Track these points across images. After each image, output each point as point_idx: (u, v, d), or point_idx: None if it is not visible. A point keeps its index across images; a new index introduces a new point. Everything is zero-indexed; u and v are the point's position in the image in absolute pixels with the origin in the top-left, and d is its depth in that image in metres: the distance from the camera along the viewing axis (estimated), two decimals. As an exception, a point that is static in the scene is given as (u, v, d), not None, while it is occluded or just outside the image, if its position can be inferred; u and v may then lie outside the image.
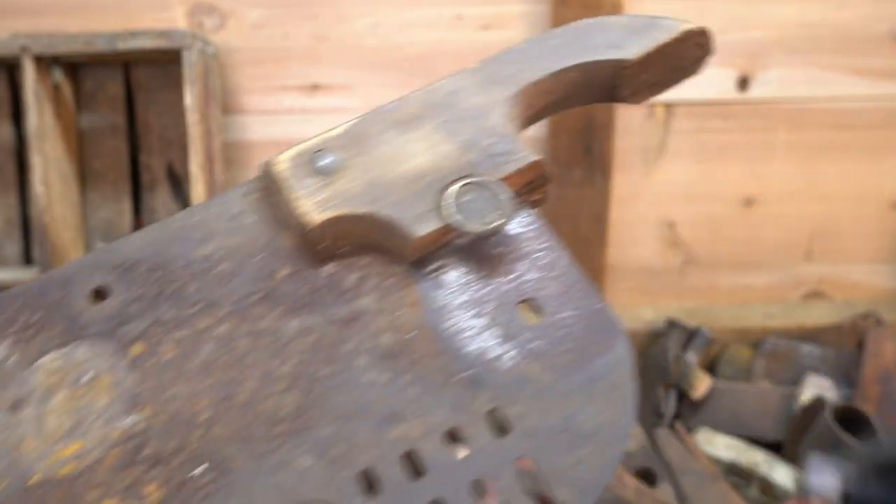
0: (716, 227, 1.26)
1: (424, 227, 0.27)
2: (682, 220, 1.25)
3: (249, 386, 0.27)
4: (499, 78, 0.31)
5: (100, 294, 0.28)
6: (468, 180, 0.28)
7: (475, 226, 0.27)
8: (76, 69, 1.17)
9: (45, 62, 1.11)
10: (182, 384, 0.26)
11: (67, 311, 0.28)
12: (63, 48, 1.07)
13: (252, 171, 1.21)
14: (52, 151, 1.12)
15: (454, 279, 0.28)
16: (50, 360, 0.27)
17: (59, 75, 1.13)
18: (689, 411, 1.11)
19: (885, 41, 1.18)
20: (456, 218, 0.27)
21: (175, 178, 1.19)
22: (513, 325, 0.28)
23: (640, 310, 1.25)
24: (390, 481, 0.25)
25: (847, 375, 1.14)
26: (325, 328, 0.28)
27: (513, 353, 0.27)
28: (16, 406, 0.26)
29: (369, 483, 0.25)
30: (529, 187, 0.30)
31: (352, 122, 0.30)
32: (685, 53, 0.33)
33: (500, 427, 0.26)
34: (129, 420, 0.26)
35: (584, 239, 1.18)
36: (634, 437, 1.06)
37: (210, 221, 0.29)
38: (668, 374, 1.09)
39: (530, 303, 0.28)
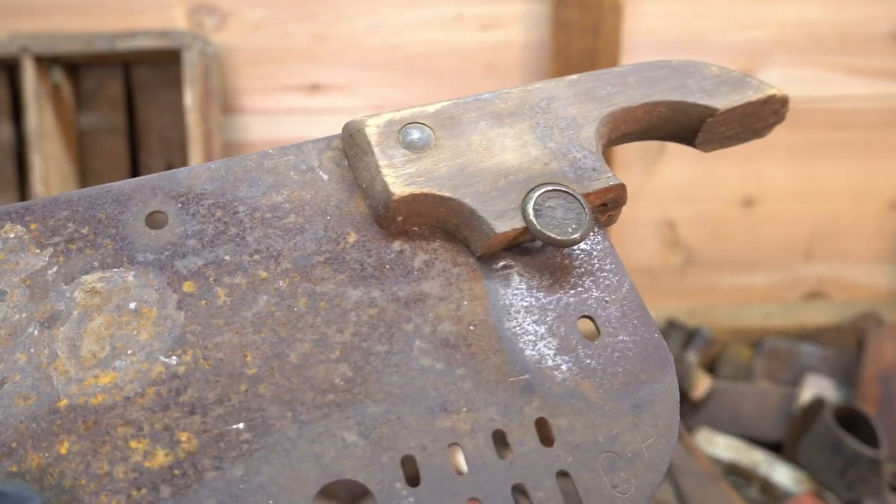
0: (716, 227, 1.26)
1: (505, 225, 0.27)
2: (682, 219, 1.25)
3: (302, 348, 0.26)
4: (595, 95, 0.31)
5: (156, 221, 0.27)
6: (553, 187, 0.28)
7: (553, 234, 0.27)
8: (76, 69, 1.17)
9: (45, 62, 1.10)
10: (231, 333, 0.25)
11: (119, 231, 0.26)
12: (63, 48, 1.07)
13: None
14: (52, 151, 1.12)
15: (520, 281, 0.29)
16: (93, 280, 0.25)
17: (59, 75, 1.13)
18: (689, 411, 1.11)
19: (885, 41, 1.18)
20: (536, 222, 0.28)
21: (175, 178, 1.19)
22: (570, 339, 0.28)
23: (640, 310, 1.25)
24: (432, 472, 0.24)
25: (847, 375, 1.14)
26: (387, 304, 0.27)
27: (567, 365, 0.27)
28: (51, 321, 0.25)
29: (410, 471, 0.25)
30: (604, 208, 0.30)
31: (446, 103, 0.29)
32: (763, 115, 0.34)
33: (546, 437, 0.26)
34: (172, 360, 0.25)
35: (584, 239, 1.18)
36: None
37: (283, 170, 0.29)
38: (668, 374, 1.09)
39: (590, 320, 0.29)
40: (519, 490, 0.25)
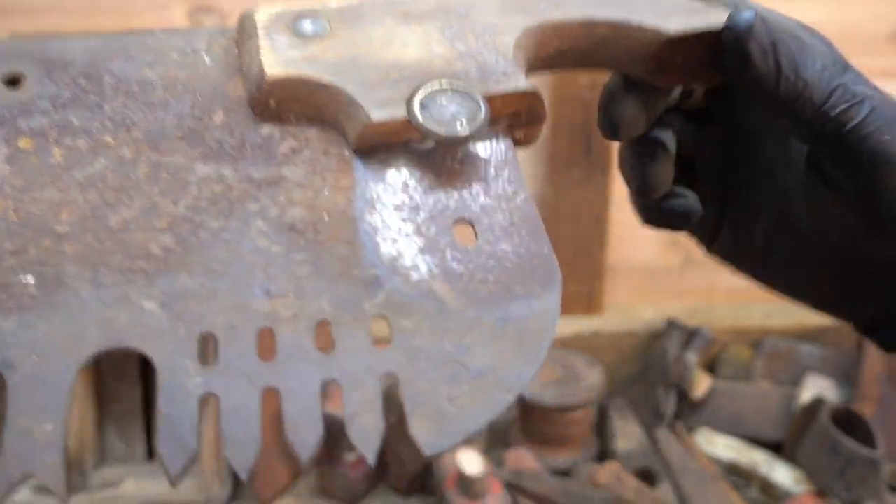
0: (716, 227, 1.25)
1: (382, 114, 0.25)
2: (682, 220, 1.25)
3: (127, 214, 0.24)
4: (524, 6, 0.28)
5: (15, 82, 0.26)
6: (449, 85, 0.26)
7: (435, 127, 0.25)
8: (76, 69, 1.17)
9: (45, 62, 1.10)
10: (53, 190, 0.24)
11: None
12: (63, 48, 1.07)
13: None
14: (52, 151, 1.12)
15: (397, 178, 0.26)
16: None
17: (59, 75, 1.13)
18: (689, 411, 1.11)
19: (885, 41, 1.18)
20: (420, 114, 0.25)
21: (175, 177, 1.19)
22: (439, 240, 0.25)
23: (640, 310, 1.25)
24: (231, 353, 0.23)
25: (847, 375, 1.14)
26: (236, 183, 0.25)
27: (428, 266, 0.25)
28: None
29: (208, 349, 0.23)
30: (518, 120, 0.27)
31: (354, 2, 0.28)
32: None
33: (381, 337, 0.24)
34: None
35: (584, 239, 1.18)
36: (634, 436, 1.06)
37: (165, 49, 0.27)
38: (668, 374, 1.09)
39: (469, 226, 0.26)
40: (330, 385, 0.23)
